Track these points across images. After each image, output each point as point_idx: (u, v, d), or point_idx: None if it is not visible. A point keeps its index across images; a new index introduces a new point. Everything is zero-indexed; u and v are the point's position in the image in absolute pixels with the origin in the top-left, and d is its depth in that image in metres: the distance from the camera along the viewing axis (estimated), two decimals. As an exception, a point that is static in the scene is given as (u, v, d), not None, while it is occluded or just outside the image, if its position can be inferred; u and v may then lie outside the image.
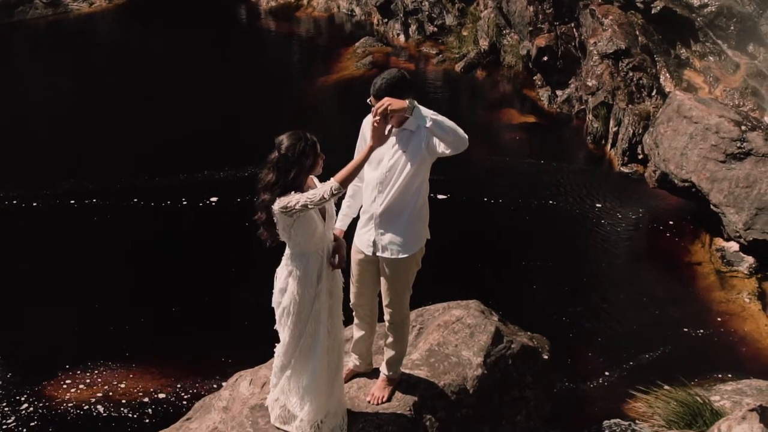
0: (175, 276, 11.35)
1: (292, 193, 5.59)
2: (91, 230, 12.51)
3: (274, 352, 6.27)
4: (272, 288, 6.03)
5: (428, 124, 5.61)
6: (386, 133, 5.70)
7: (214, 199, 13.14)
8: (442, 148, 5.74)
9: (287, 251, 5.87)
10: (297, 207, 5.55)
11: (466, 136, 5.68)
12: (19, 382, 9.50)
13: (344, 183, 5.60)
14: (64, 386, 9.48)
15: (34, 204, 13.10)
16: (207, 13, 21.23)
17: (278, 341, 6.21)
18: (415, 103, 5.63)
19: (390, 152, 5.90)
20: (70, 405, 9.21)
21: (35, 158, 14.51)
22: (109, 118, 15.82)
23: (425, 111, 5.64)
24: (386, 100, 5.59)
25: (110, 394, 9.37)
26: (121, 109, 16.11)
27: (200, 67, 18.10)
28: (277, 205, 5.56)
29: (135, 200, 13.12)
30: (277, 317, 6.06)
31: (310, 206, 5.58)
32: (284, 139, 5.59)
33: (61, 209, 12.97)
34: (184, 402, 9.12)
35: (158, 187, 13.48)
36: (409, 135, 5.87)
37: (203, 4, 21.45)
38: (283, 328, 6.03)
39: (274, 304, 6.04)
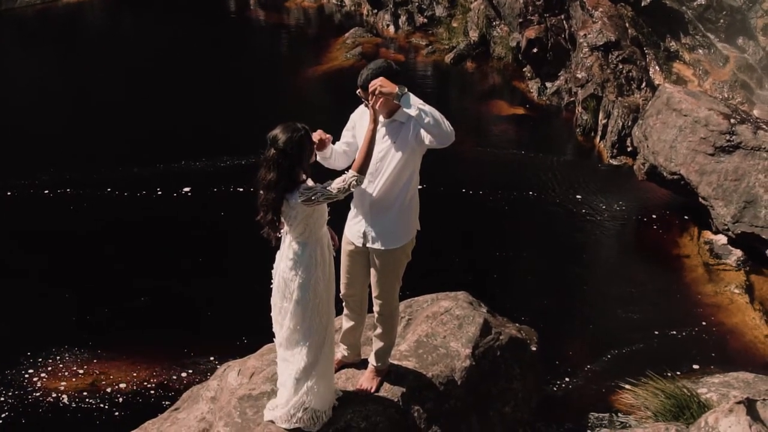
0: (159, 267, 11.32)
1: (309, 182, 5.60)
2: (70, 220, 12.45)
3: (263, 344, 6.20)
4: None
5: (413, 112, 5.59)
6: (378, 107, 5.72)
7: (186, 189, 13.09)
8: (428, 139, 5.72)
9: (294, 246, 5.77)
10: (321, 199, 5.55)
11: (452, 130, 5.64)
12: (2, 371, 9.47)
13: (362, 171, 5.63)
14: (50, 376, 9.45)
15: (9, 193, 13.04)
16: (196, 1, 21.17)
17: (266, 338, 6.11)
18: (405, 89, 5.62)
19: (380, 143, 5.89)
20: (56, 395, 9.19)
21: (14, 147, 14.42)
22: (92, 108, 15.76)
23: (414, 100, 5.61)
24: (380, 80, 5.62)
25: (97, 384, 9.35)
26: (105, 99, 16.07)
27: (188, 57, 18.05)
28: (301, 198, 5.51)
29: (112, 190, 13.07)
30: (295, 318, 5.89)
31: (334, 198, 5.60)
32: (279, 134, 5.50)
33: (38, 199, 12.92)
34: (172, 392, 9.10)
35: (138, 176, 13.43)
36: (399, 126, 5.87)
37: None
38: (304, 324, 5.89)
39: (289, 306, 5.89)
